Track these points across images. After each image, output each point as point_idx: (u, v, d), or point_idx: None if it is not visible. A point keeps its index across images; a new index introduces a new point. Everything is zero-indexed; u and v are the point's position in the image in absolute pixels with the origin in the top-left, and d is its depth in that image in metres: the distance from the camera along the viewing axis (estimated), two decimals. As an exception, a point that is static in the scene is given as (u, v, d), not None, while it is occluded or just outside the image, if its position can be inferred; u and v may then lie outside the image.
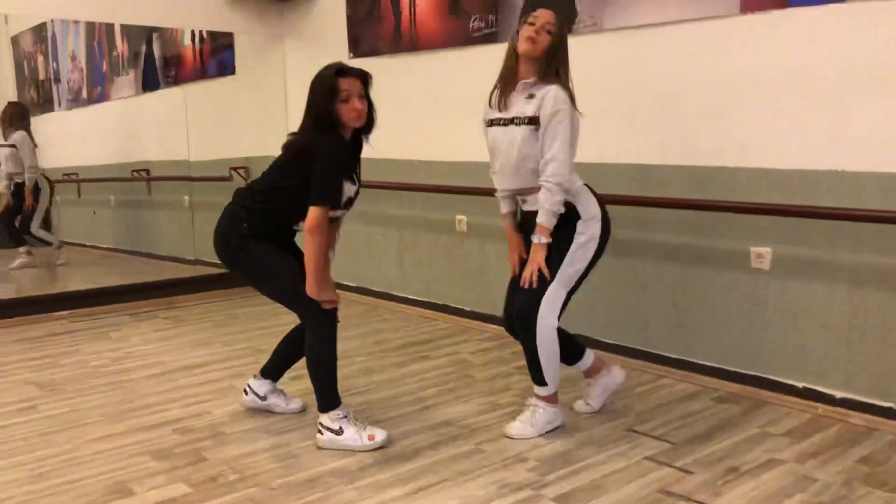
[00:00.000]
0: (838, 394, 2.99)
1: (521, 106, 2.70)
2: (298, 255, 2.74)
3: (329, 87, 2.63)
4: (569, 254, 2.72)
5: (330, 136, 2.64)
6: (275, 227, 2.78)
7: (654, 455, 2.65)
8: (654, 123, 3.40)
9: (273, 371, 3.06)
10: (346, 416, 2.73)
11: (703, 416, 3.01)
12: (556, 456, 2.65)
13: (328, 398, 2.73)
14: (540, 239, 2.68)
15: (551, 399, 2.86)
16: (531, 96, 2.68)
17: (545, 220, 2.67)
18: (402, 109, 4.52)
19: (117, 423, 2.99)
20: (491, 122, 2.82)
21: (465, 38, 4.18)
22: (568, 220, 2.72)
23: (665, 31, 3.33)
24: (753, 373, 3.23)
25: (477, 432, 2.87)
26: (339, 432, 2.70)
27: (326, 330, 2.70)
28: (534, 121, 2.66)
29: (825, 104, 2.92)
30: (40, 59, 7.78)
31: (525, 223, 2.86)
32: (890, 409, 2.86)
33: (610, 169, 3.54)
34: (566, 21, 2.88)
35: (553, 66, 2.67)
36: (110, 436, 2.87)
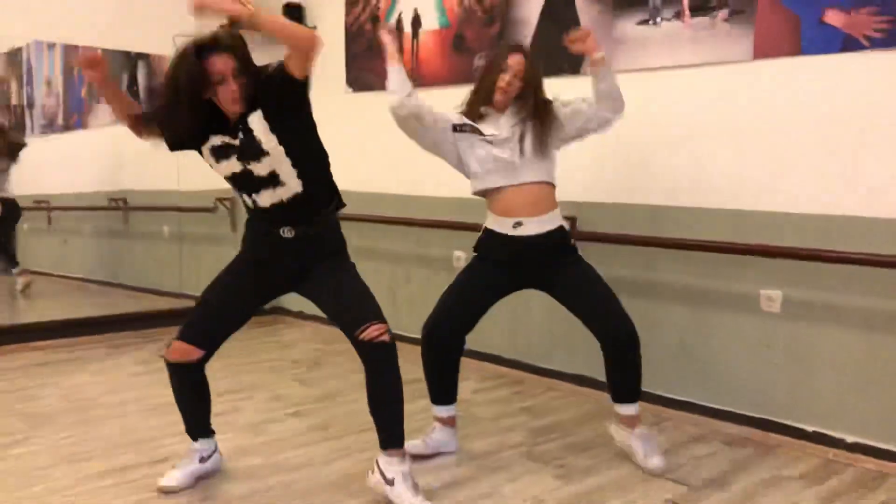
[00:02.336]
0: (850, 438, 2.99)
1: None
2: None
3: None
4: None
5: None
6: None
7: (674, 498, 2.61)
8: (666, 165, 3.42)
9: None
10: (404, 472, 2.47)
11: (714, 458, 2.99)
12: (576, 499, 2.60)
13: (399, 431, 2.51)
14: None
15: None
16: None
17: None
18: (400, 145, 4.48)
19: (115, 459, 2.86)
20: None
21: (469, 75, 4.19)
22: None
23: (678, 74, 3.37)
24: (762, 416, 3.22)
25: (492, 471, 2.80)
26: (391, 483, 2.46)
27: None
28: None
29: (839, 151, 2.96)
30: (13, 83, 7.66)
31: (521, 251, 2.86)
32: (902, 454, 2.87)
33: (621, 209, 3.55)
34: (535, 58, 2.95)
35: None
36: (110, 471, 2.74)
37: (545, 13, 3.84)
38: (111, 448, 2.97)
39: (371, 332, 2.39)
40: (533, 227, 2.83)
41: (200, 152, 2.47)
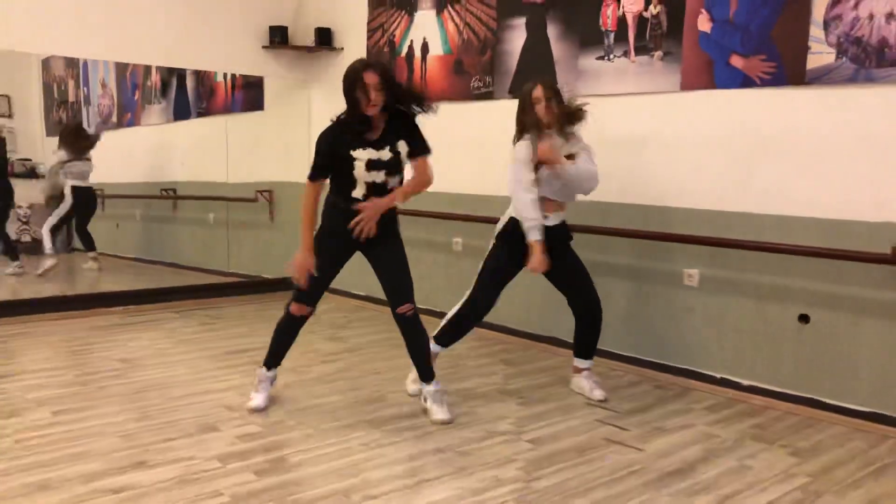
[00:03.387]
0: (745, 381, 3.93)
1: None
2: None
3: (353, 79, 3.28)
4: None
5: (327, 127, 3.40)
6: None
7: (602, 419, 3.58)
8: (615, 170, 4.35)
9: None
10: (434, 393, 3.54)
11: (644, 396, 3.94)
12: (532, 416, 3.57)
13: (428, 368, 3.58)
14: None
15: None
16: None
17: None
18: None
19: (191, 388, 3.87)
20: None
21: (467, 94, 5.15)
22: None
23: (624, 100, 4.31)
24: (683, 365, 4.17)
25: (471, 399, 3.78)
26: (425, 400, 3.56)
27: None
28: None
29: (738, 162, 3.89)
30: (70, 83, 8.66)
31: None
32: (781, 392, 3.80)
33: (580, 206, 4.48)
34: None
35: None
36: (188, 395, 3.75)
37: (526, 47, 4.78)
38: (191, 382, 3.99)
39: (404, 308, 3.50)
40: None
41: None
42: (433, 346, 3.80)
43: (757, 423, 3.57)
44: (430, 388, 3.55)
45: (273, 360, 3.65)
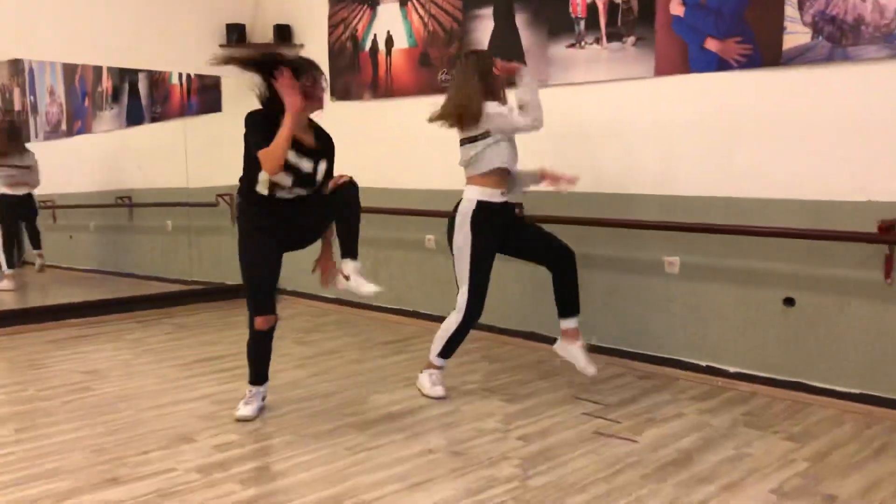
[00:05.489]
0: (731, 369, 3.88)
1: None
2: None
3: None
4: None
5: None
6: None
7: (590, 412, 3.48)
8: (590, 160, 4.28)
9: None
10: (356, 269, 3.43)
11: (628, 387, 3.86)
12: (519, 412, 3.47)
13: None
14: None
15: None
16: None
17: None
18: (378, 146, 5.34)
19: (160, 399, 3.69)
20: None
21: (434, 87, 5.03)
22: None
23: (597, 87, 4.23)
24: (666, 355, 4.11)
25: (455, 398, 3.66)
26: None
27: None
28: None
29: (717, 146, 3.84)
30: (16, 91, 8.35)
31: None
32: (768, 378, 3.75)
33: (556, 196, 4.40)
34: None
35: None
36: (157, 406, 3.57)
37: (494, 36, 4.69)
38: (160, 392, 3.80)
39: (344, 178, 3.36)
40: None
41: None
42: (439, 361, 3.72)
43: (748, 409, 3.51)
44: (356, 264, 3.42)
45: (257, 377, 3.47)
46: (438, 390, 3.68)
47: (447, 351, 3.74)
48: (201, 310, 5.96)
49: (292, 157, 3.23)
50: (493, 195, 3.63)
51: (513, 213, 3.80)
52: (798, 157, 3.59)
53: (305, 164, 3.29)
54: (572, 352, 3.80)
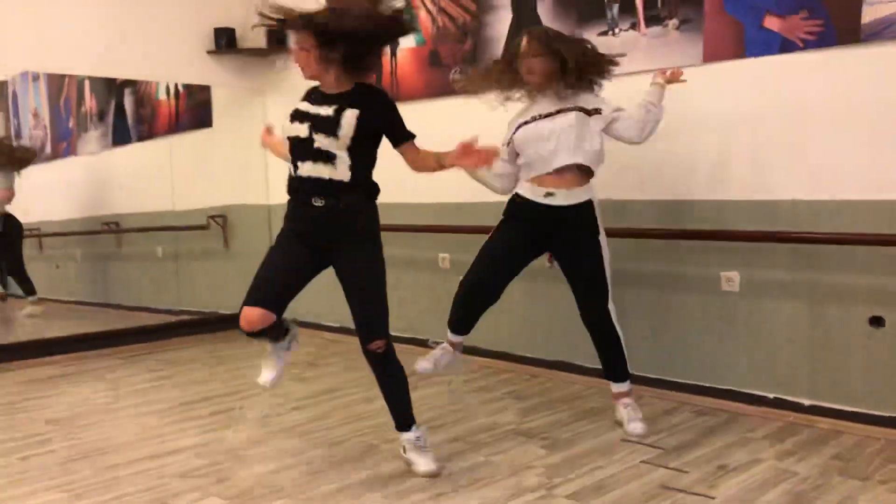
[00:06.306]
0: (806, 402, 3.30)
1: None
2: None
3: None
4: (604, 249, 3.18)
5: None
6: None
7: (649, 459, 2.90)
8: (631, 162, 3.73)
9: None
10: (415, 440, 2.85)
11: (686, 426, 3.28)
12: (563, 463, 2.88)
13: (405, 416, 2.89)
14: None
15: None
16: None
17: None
18: (383, 156, 4.76)
19: (136, 452, 3.11)
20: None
21: (445, 89, 4.49)
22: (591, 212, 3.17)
23: (635, 79, 3.67)
24: (727, 387, 3.53)
25: (485, 446, 3.09)
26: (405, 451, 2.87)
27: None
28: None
29: (780, 141, 3.29)
30: (0, 116, 7.88)
31: (544, 216, 3.17)
32: (853, 412, 3.17)
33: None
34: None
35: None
36: (132, 462, 2.99)
37: (514, 29, 4.15)
38: (134, 444, 3.22)
39: (374, 346, 2.76)
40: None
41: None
42: (449, 335, 3.39)
43: (835, 452, 2.93)
44: (409, 436, 2.84)
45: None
46: (424, 364, 3.37)
47: (451, 320, 3.39)
48: (192, 343, 5.39)
49: (304, 105, 2.75)
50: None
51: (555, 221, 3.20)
52: (881, 151, 3.04)
53: (325, 110, 2.68)
54: (616, 412, 3.30)
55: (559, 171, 3.13)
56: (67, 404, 3.87)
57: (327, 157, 2.66)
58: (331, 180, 2.67)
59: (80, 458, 3.05)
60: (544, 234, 3.21)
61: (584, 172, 3.18)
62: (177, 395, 3.99)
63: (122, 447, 3.17)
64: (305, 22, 2.63)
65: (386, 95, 2.85)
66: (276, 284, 2.78)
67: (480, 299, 3.33)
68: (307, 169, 2.69)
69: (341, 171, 2.68)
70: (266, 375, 2.97)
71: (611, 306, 3.22)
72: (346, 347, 5.00)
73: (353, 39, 2.62)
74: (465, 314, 3.37)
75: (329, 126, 2.64)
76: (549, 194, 3.14)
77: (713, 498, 2.53)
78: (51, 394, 4.08)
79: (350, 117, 2.64)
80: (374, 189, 2.83)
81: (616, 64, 3.21)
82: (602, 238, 3.20)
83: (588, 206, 3.18)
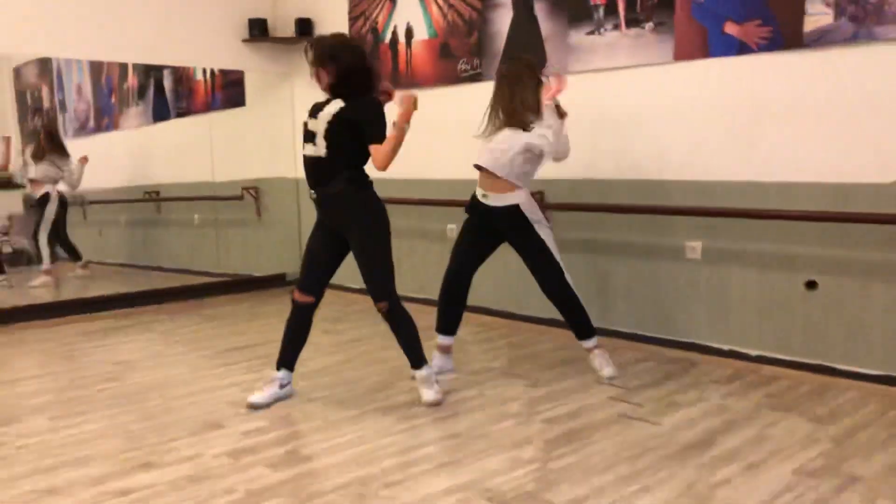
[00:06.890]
0: (753, 352, 3.89)
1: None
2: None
3: None
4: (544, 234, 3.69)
5: None
6: None
7: (614, 396, 3.52)
8: (610, 146, 4.30)
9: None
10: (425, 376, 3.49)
11: (652, 372, 3.88)
12: (543, 397, 3.51)
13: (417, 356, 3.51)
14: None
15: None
16: None
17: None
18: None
19: (193, 386, 3.77)
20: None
21: (454, 78, 5.07)
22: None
23: (617, 74, 4.25)
24: (690, 340, 4.12)
25: (479, 383, 3.71)
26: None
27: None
28: None
29: (738, 130, 3.84)
30: (45, 89, 8.48)
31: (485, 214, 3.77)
32: (791, 361, 3.75)
33: (576, 184, 4.43)
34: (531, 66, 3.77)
35: None
36: (191, 393, 3.65)
37: (514, 26, 4.71)
38: (190, 381, 3.88)
39: (379, 307, 3.45)
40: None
41: None
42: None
43: (770, 392, 3.53)
44: (419, 373, 3.49)
45: (280, 359, 3.54)
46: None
47: (437, 322, 3.99)
48: (229, 301, 6.05)
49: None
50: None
51: (497, 220, 3.78)
52: (821, 140, 3.58)
53: (311, 123, 3.37)
54: (591, 362, 3.86)
55: (480, 171, 3.75)
56: (127, 350, 4.55)
57: (311, 137, 3.36)
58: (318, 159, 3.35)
59: (148, 390, 3.71)
60: (492, 228, 3.80)
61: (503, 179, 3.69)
62: (221, 344, 4.65)
63: (181, 382, 3.84)
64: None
65: (374, 100, 3.43)
66: (314, 271, 3.50)
67: (455, 288, 3.91)
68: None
69: (319, 146, 3.34)
70: (256, 396, 3.44)
71: (567, 277, 3.74)
72: (367, 306, 5.63)
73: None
74: (444, 307, 3.94)
75: (316, 110, 3.37)
76: (484, 195, 3.74)
77: (659, 424, 3.14)
78: (108, 343, 4.75)
79: (333, 106, 3.33)
80: (363, 180, 3.46)
81: None
82: (540, 227, 3.69)
83: (515, 209, 3.69)
